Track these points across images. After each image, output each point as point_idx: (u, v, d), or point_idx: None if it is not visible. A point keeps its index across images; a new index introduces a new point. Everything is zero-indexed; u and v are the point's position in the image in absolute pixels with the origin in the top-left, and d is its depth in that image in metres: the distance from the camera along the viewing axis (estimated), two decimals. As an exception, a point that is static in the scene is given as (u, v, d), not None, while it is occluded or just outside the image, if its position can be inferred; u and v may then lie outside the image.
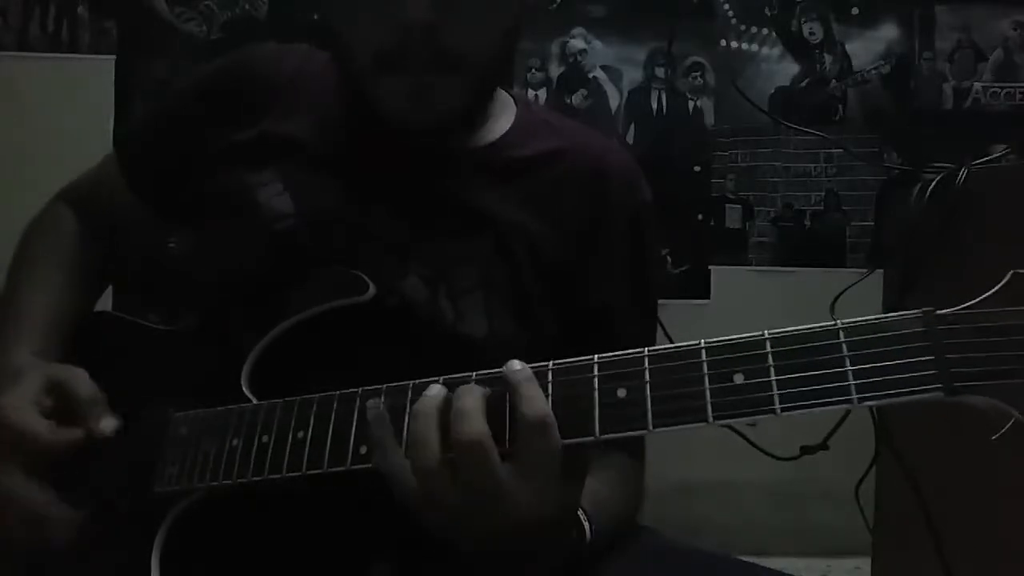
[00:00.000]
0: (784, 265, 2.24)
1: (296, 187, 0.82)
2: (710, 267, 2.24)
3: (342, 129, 0.86)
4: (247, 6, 2.11)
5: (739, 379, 0.54)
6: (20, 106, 2.05)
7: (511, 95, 0.92)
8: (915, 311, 0.53)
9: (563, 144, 0.89)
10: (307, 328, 0.75)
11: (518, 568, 0.64)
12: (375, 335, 0.75)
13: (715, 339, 0.56)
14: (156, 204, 0.94)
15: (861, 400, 0.52)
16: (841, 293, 1.32)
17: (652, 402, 0.56)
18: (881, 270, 1.44)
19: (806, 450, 1.46)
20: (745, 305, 2.17)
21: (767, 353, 0.54)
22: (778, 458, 1.58)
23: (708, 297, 2.23)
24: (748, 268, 2.25)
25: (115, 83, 2.06)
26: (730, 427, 1.57)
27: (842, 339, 0.53)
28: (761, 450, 1.60)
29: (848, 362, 0.53)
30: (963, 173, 1.22)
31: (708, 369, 0.55)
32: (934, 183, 1.25)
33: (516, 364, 0.60)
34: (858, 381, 0.52)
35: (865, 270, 1.45)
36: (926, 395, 0.51)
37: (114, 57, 2.07)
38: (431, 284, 0.79)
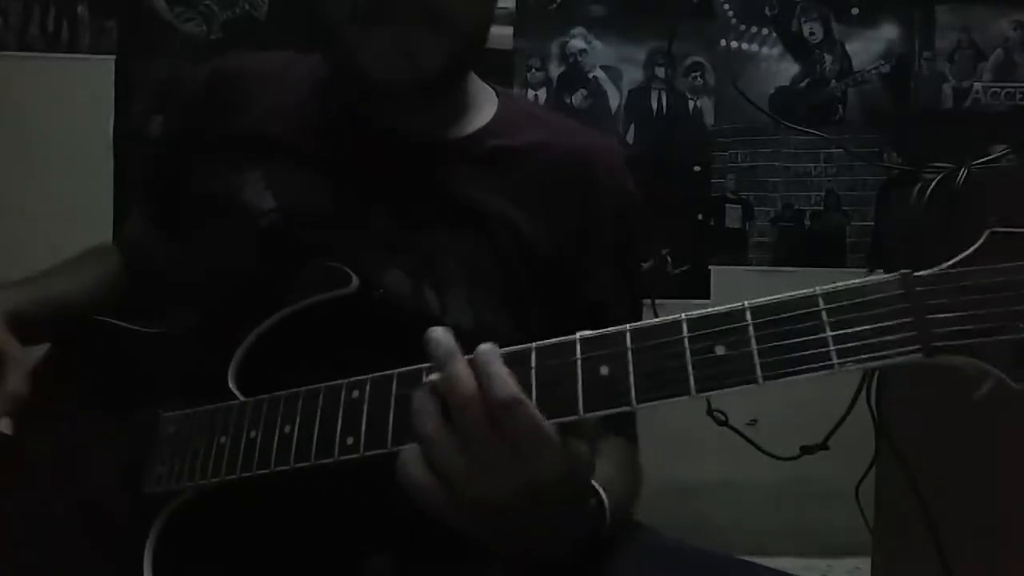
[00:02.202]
0: (784, 265, 2.24)
1: (277, 183, 0.83)
2: (710, 267, 2.24)
3: (324, 125, 0.86)
4: (247, 6, 2.10)
5: (721, 351, 0.54)
6: (20, 106, 2.05)
7: (493, 88, 0.93)
8: (893, 274, 0.53)
9: (548, 136, 0.89)
10: (293, 324, 0.75)
11: (540, 541, 0.62)
12: (360, 328, 0.75)
13: (695, 312, 0.56)
14: (168, 226, 0.98)
15: (842, 365, 0.52)
16: (841, 293, 1.32)
17: (635, 378, 0.56)
18: (881, 270, 1.44)
19: (806, 450, 1.46)
20: (745, 305, 2.16)
21: (748, 324, 0.54)
22: (778, 458, 1.58)
23: (708, 297, 2.23)
24: (748, 268, 2.25)
25: (115, 83, 2.06)
26: (731, 427, 1.57)
27: (821, 306, 0.53)
28: (761, 450, 1.60)
29: (828, 328, 0.53)
30: (963, 173, 1.22)
31: (689, 343, 0.55)
32: (934, 183, 1.25)
33: (484, 346, 0.58)
34: (839, 346, 0.52)
35: (865, 270, 1.46)
36: (906, 357, 0.51)
37: (114, 57, 2.07)
38: (415, 276, 0.80)
